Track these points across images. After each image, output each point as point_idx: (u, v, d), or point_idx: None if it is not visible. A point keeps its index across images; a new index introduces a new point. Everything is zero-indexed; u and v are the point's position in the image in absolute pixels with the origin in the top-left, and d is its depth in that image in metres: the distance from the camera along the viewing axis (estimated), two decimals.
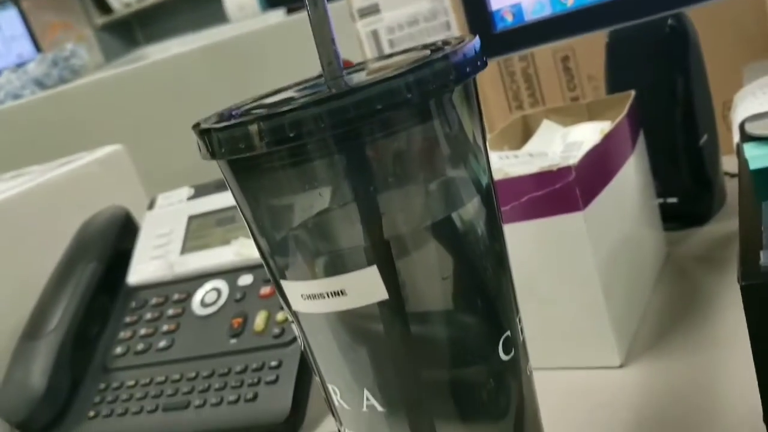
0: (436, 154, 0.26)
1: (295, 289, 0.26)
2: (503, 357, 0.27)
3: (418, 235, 0.26)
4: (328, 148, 0.23)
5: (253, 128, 0.22)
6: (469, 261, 0.27)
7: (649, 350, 0.45)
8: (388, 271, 0.24)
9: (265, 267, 0.27)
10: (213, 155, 0.23)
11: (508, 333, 0.27)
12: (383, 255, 0.24)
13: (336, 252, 0.26)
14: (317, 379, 0.28)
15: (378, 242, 0.24)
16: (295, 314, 0.27)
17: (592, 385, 0.44)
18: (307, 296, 0.26)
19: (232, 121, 0.22)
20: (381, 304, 0.25)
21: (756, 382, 0.30)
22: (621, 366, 0.45)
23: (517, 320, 0.28)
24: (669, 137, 0.58)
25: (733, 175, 0.63)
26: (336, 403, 0.28)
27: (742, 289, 0.28)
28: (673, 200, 0.59)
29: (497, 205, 0.28)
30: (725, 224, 0.59)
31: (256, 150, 0.22)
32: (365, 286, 0.25)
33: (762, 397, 0.30)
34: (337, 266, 0.25)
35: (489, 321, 0.27)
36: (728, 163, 0.63)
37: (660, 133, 0.57)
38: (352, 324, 0.26)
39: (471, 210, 0.27)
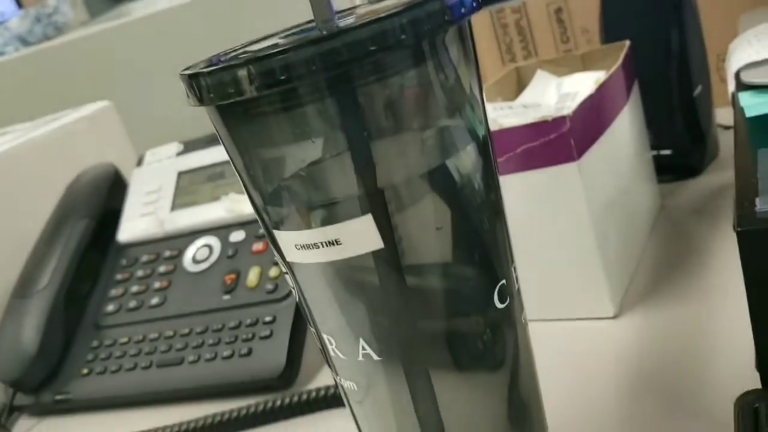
0: (430, 100, 0.25)
1: (289, 240, 0.26)
2: (499, 305, 0.27)
3: (413, 184, 0.25)
4: (320, 92, 0.22)
5: (243, 72, 0.21)
6: (465, 210, 0.27)
7: (642, 301, 0.45)
8: (382, 219, 0.24)
9: (258, 218, 0.27)
10: (201, 101, 0.23)
11: (504, 281, 0.27)
12: (377, 204, 0.24)
13: (330, 202, 0.25)
14: (312, 329, 0.28)
15: (372, 191, 0.24)
16: (289, 265, 0.27)
17: (586, 335, 0.44)
18: (302, 246, 0.25)
19: (221, 65, 0.22)
20: (376, 253, 0.24)
21: (748, 331, 0.30)
22: (615, 317, 0.45)
23: (512, 269, 0.28)
24: (663, 89, 0.57)
25: (726, 127, 0.63)
26: (331, 353, 0.27)
27: (738, 235, 0.28)
28: (666, 152, 0.59)
29: (493, 155, 0.28)
30: (718, 176, 0.59)
31: (245, 95, 0.21)
32: (360, 235, 0.24)
33: (756, 344, 0.30)
34: (331, 216, 0.25)
35: (484, 269, 0.27)
36: (721, 116, 0.63)
37: (654, 85, 0.56)
38: (347, 274, 0.26)
39: (466, 159, 0.26)
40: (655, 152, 0.58)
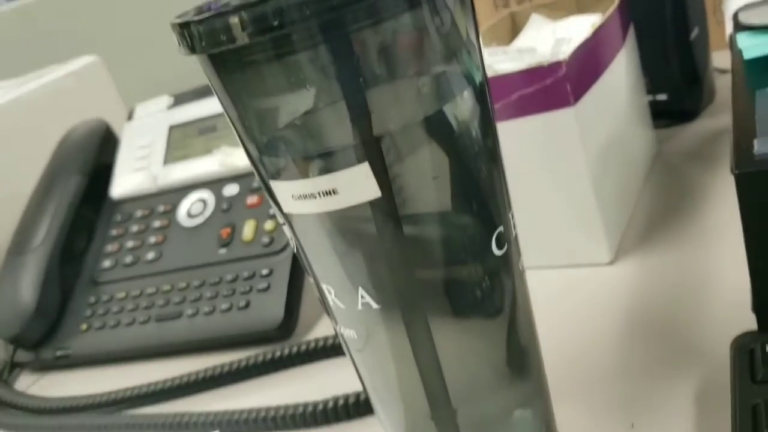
0: (426, 46, 0.25)
1: (285, 190, 0.25)
2: (496, 252, 0.27)
3: (410, 131, 0.25)
4: (314, 38, 0.22)
5: (234, 19, 0.21)
6: (462, 157, 0.26)
7: (638, 246, 0.45)
8: (379, 168, 0.24)
9: (254, 169, 0.27)
10: (193, 50, 0.22)
11: (501, 228, 0.27)
12: (374, 152, 0.24)
13: (326, 151, 0.25)
14: (311, 279, 0.28)
15: (368, 139, 0.24)
16: (286, 216, 0.27)
17: (583, 282, 0.44)
18: (299, 196, 0.25)
19: (212, 12, 0.21)
20: (373, 202, 0.24)
21: (744, 274, 0.30)
22: (611, 263, 0.45)
23: (510, 215, 0.28)
24: (659, 32, 0.56)
25: (722, 71, 0.63)
26: (330, 303, 0.27)
27: (736, 177, 0.28)
28: (662, 97, 0.58)
29: (490, 101, 0.27)
30: (714, 120, 0.59)
31: (237, 42, 0.21)
32: (357, 184, 0.24)
33: (752, 286, 0.30)
34: (328, 165, 0.25)
35: (482, 216, 0.27)
36: (717, 59, 0.62)
37: (650, 29, 0.55)
38: (344, 224, 0.26)
39: (463, 105, 0.26)
40: (651, 97, 0.58)
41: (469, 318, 0.28)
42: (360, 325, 0.27)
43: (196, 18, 0.22)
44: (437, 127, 0.25)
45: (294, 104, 0.25)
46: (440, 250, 0.26)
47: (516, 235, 0.29)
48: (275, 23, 0.20)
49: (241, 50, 0.22)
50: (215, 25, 0.21)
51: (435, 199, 0.26)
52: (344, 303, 0.27)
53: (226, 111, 0.26)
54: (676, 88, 0.58)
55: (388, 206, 0.24)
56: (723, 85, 0.61)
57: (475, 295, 0.28)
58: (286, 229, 0.27)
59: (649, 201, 0.50)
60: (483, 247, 0.27)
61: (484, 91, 0.27)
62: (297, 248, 0.28)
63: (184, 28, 0.22)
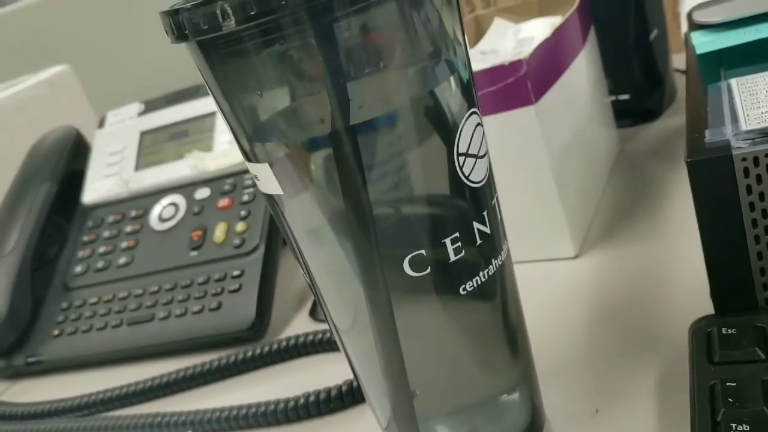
0: (410, 38, 0.25)
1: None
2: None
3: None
4: (298, 24, 0.22)
5: (221, 5, 0.21)
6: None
7: (602, 241, 0.47)
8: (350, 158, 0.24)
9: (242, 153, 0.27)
10: (182, 38, 0.23)
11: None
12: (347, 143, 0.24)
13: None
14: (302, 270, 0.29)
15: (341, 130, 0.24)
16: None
17: (548, 276, 0.45)
18: None
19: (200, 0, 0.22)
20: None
21: (703, 265, 0.31)
22: (576, 257, 0.46)
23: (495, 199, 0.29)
24: (620, 33, 0.58)
25: (682, 72, 0.64)
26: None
27: (688, 165, 0.29)
28: (625, 97, 0.60)
29: (476, 97, 0.28)
30: (676, 119, 0.60)
31: (224, 29, 0.22)
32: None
33: (708, 271, 0.31)
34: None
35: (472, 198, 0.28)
36: (678, 61, 0.64)
37: (610, 30, 0.57)
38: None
39: (448, 88, 0.26)
40: (614, 97, 0.59)
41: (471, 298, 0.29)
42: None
43: (185, 6, 0.22)
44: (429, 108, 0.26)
45: (280, 94, 0.25)
46: (428, 234, 0.27)
47: (502, 218, 0.30)
48: (257, 11, 0.21)
49: (228, 37, 0.23)
50: (205, 11, 0.22)
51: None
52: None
53: (215, 99, 0.26)
54: (638, 89, 0.60)
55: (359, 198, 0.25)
56: (684, 86, 0.63)
57: (467, 277, 0.28)
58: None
59: (612, 197, 0.51)
60: (468, 224, 0.27)
61: (471, 86, 0.27)
62: (286, 232, 0.28)
63: (172, 17, 0.23)
